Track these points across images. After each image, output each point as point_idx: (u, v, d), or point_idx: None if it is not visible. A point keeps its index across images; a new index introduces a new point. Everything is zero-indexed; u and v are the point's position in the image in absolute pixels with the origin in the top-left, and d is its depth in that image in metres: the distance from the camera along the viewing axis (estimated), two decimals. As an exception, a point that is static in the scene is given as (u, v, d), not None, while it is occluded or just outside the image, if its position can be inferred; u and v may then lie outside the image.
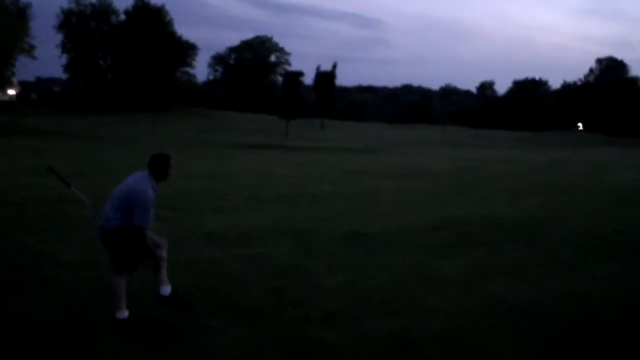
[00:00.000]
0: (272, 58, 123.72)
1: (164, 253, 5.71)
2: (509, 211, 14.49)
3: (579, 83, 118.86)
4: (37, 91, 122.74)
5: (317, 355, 5.08)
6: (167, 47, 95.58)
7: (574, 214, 14.48)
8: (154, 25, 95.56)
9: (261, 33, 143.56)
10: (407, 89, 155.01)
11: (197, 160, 28.33)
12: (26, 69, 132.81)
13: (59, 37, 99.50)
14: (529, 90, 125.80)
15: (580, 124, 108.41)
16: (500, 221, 12.84)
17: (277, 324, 5.81)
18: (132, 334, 5.44)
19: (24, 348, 5.09)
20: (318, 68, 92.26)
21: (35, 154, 28.18)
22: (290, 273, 7.79)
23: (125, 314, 5.62)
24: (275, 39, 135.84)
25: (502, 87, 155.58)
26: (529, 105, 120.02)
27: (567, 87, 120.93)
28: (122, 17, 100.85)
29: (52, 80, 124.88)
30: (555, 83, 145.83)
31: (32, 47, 66.58)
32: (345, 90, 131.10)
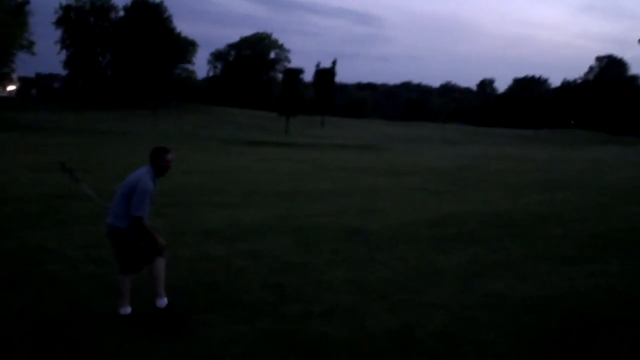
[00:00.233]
0: (272, 55, 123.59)
1: (158, 267, 5.70)
2: (509, 208, 14.51)
3: (579, 81, 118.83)
4: (36, 87, 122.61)
5: (317, 351, 5.09)
6: (166, 43, 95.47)
7: (574, 210, 14.51)
8: (152, 21, 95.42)
9: (261, 30, 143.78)
10: (407, 86, 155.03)
11: (197, 156, 28.36)
12: (26, 65, 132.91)
13: (58, 33, 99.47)
14: (529, 88, 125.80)
15: (572, 121, 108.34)
16: (500, 217, 12.86)
17: (277, 320, 5.83)
18: (134, 329, 5.45)
19: (26, 344, 5.10)
20: (318, 65, 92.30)
21: (35, 150, 28.20)
22: (290, 269, 7.80)
23: (128, 310, 5.66)
24: (275, 35, 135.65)
25: (502, 84, 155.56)
26: (529, 103, 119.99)
27: (566, 85, 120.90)
28: (121, 13, 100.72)
29: (52, 77, 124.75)
30: (556, 81, 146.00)
31: (31, 43, 66.60)
32: (344, 87, 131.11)
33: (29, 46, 66.70)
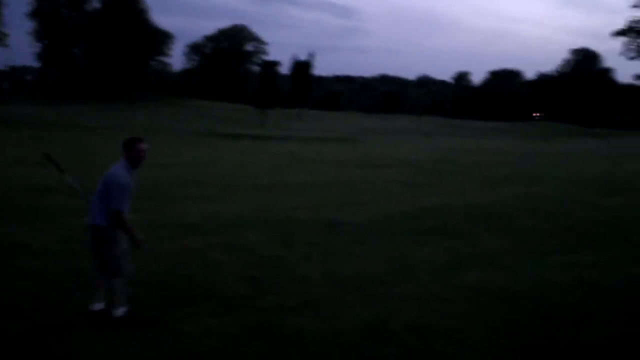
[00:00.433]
0: (249, 47, 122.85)
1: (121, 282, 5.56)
2: (485, 200, 14.66)
3: (553, 74, 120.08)
4: (9, 80, 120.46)
5: (293, 344, 5.13)
6: (142, 35, 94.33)
7: (548, 202, 14.70)
8: (128, 13, 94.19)
9: (238, 22, 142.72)
10: (384, 78, 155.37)
11: (174, 150, 28.19)
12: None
13: (31, 25, 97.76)
14: (505, 80, 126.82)
15: (538, 114, 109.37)
16: (476, 210, 12.99)
17: (253, 313, 5.85)
18: (108, 325, 5.41)
19: (-1, 338, 5.06)
20: (295, 57, 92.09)
21: (9, 143, 27.78)
22: (267, 262, 7.82)
23: (122, 310, 5.46)
24: (253, 28, 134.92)
25: (478, 77, 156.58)
26: (504, 95, 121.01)
27: (541, 78, 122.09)
28: (96, 4, 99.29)
29: (25, 69, 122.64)
30: (532, 73, 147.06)
31: (4, 35, 65.42)
32: (322, 79, 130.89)
33: (2, 38, 65.60)
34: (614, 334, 5.67)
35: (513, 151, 39.52)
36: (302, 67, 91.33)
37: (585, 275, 7.77)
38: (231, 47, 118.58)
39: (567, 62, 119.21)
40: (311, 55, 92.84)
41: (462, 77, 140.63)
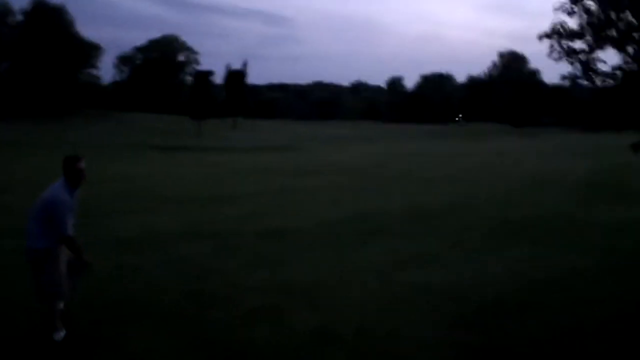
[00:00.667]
0: (181, 57, 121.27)
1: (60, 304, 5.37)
2: (423, 201, 14.89)
3: (482, 77, 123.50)
4: None
5: (243, 354, 5.03)
6: (69, 48, 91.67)
7: (484, 201, 15.07)
8: (53, 26, 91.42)
9: (169, 32, 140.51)
10: (318, 86, 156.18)
11: (107, 164, 27.44)
12: None
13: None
14: (437, 84, 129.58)
15: (460, 116, 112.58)
16: (415, 211, 13.18)
17: (198, 327, 5.71)
18: (46, 347, 5.18)
19: None
20: (228, 67, 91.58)
21: None
22: (209, 274, 7.67)
23: (61, 335, 5.25)
24: (184, 38, 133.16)
25: (411, 81, 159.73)
26: (437, 99, 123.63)
27: (472, 81, 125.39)
28: (19, 17, 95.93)
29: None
30: (463, 76, 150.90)
31: None
32: (256, 88, 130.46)
33: None
34: (553, 324, 5.82)
35: (448, 153, 40.36)
36: (235, 77, 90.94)
37: (522, 269, 7.99)
38: (162, 58, 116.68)
39: (495, 65, 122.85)
40: (244, 64, 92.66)
41: (395, 82, 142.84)
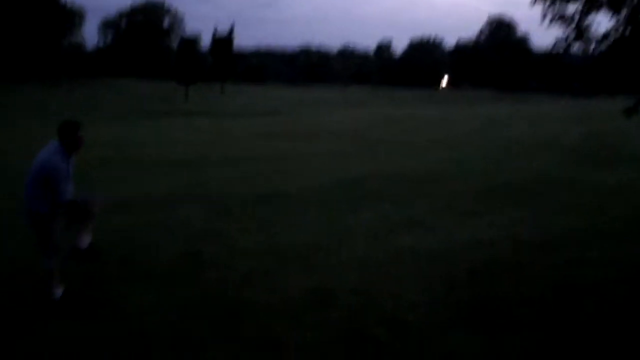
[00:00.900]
0: (166, 21, 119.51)
1: (92, 216, 5.53)
2: (412, 166, 14.98)
3: (471, 42, 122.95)
4: None
5: (237, 316, 5.13)
6: (51, 14, 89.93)
7: (474, 165, 15.19)
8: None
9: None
10: (306, 50, 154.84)
11: (96, 129, 27.27)
12: None
13: None
14: (425, 49, 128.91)
15: (443, 81, 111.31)
16: (405, 176, 13.27)
17: (195, 287, 5.80)
18: (47, 305, 5.26)
19: None
20: (215, 32, 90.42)
21: None
22: (205, 236, 7.74)
23: (59, 292, 5.35)
24: (169, 1, 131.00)
25: (400, 44, 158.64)
26: (425, 64, 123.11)
27: (461, 47, 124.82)
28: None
29: None
30: (452, 40, 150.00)
31: None
32: (243, 53, 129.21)
33: None
34: (546, 284, 5.97)
35: (436, 118, 40.40)
36: (222, 41, 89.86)
37: (513, 232, 8.12)
38: (147, 22, 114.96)
39: (484, 30, 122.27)
40: (231, 28, 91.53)
41: (384, 46, 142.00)
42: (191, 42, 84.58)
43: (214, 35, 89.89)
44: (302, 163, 15.83)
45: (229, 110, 50.62)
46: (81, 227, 5.53)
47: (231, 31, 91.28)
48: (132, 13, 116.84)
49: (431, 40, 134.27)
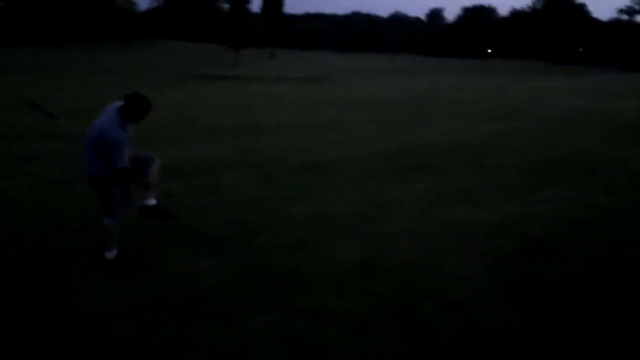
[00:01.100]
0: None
1: (152, 175, 5.59)
2: (462, 137, 14.78)
3: (527, 10, 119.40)
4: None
5: (286, 282, 5.19)
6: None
7: (526, 139, 14.88)
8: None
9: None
10: (356, 16, 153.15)
11: (146, 92, 27.63)
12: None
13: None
14: (478, 17, 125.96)
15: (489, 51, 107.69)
16: (456, 147, 13.11)
17: (244, 253, 5.88)
18: (96, 267, 5.42)
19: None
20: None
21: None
22: (253, 203, 7.83)
23: (113, 254, 5.48)
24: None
25: (451, 14, 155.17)
26: (478, 33, 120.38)
27: (515, 15, 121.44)
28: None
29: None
30: (505, 9, 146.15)
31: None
32: (293, 17, 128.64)
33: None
34: (593, 263, 5.86)
35: (488, 89, 39.63)
36: (273, 5, 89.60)
37: (561, 208, 7.96)
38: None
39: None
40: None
41: (435, 14, 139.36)
42: (242, 2, 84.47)
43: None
44: (350, 132, 15.78)
45: (278, 75, 50.61)
46: (143, 188, 5.62)
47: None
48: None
49: (484, 8, 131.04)
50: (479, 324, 4.50)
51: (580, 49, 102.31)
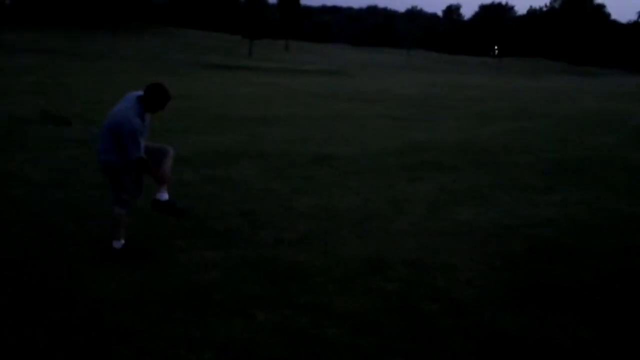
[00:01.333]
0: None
1: (166, 166, 5.55)
2: (476, 136, 14.68)
3: (544, 9, 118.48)
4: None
5: (291, 277, 5.17)
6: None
7: (539, 140, 14.75)
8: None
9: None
10: (372, 10, 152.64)
11: (160, 80, 27.69)
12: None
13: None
14: (495, 15, 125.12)
15: (495, 49, 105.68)
16: (467, 146, 13.01)
17: (251, 246, 5.87)
18: (106, 255, 5.43)
19: (-3, 268, 5.05)
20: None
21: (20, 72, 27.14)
22: (261, 195, 7.82)
23: (121, 243, 5.48)
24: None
25: (469, 11, 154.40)
26: (494, 31, 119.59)
27: (532, 13, 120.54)
28: None
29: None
30: (523, 8, 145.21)
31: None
32: (309, 9, 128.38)
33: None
34: (604, 270, 5.78)
35: (503, 87, 39.39)
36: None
37: (573, 212, 7.86)
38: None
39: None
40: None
41: (452, 11, 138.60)
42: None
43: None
44: (362, 126, 15.72)
45: (292, 67, 50.54)
46: (156, 181, 5.60)
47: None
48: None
49: (502, 6, 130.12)
50: (483, 326, 4.46)
51: (597, 51, 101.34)
